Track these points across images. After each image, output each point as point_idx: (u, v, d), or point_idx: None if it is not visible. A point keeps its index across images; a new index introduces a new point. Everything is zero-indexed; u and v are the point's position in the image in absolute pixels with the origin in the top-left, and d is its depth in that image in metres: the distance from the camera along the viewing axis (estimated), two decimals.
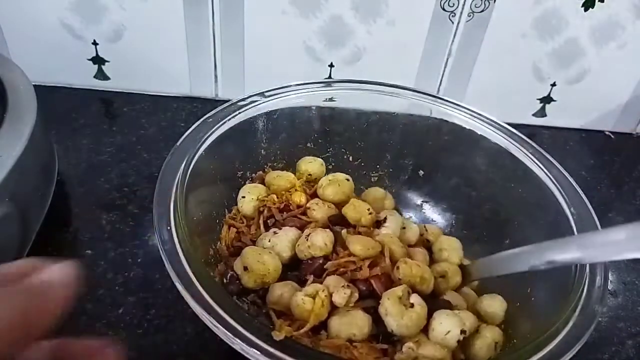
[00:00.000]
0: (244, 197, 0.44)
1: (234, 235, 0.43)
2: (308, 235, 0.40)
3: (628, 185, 0.62)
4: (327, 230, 0.41)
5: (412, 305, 0.36)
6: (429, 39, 0.60)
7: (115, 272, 0.44)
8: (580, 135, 0.67)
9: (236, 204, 0.46)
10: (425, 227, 0.46)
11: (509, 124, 0.47)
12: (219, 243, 0.43)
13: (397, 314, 0.35)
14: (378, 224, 0.42)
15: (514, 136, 0.46)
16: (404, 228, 0.43)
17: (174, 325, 0.41)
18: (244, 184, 0.46)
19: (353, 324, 0.35)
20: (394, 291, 0.36)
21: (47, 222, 0.45)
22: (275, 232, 0.41)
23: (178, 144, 0.42)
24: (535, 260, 0.35)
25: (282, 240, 0.40)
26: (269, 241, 0.40)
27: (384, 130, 0.50)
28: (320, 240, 0.39)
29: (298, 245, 0.40)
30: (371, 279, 0.38)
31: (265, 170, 0.48)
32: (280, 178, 0.46)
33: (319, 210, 0.43)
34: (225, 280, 0.38)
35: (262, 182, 0.47)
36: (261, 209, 0.44)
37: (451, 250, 0.43)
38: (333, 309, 0.37)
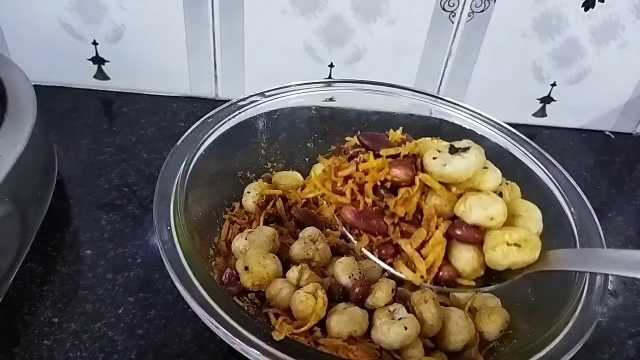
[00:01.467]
0: (249, 192, 0.45)
1: (236, 231, 0.43)
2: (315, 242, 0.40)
3: (628, 185, 0.61)
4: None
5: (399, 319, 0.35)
6: (429, 38, 0.60)
7: (115, 272, 0.44)
8: (580, 135, 0.67)
9: (236, 203, 0.46)
10: (506, 181, 0.37)
11: (509, 124, 0.47)
12: (217, 238, 0.43)
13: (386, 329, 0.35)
14: (453, 149, 0.33)
15: (514, 136, 0.46)
16: (485, 168, 0.34)
17: (174, 326, 0.41)
18: (244, 183, 0.46)
19: (352, 321, 0.35)
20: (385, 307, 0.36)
21: (46, 222, 0.45)
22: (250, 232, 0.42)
23: (178, 143, 0.42)
24: None
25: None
26: (246, 239, 0.41)
27: (384, 131, 0.50)
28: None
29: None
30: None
31: (271, 171, 0.48)
32: (287, 177, 0.46)
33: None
34: (224, 278, 0.38)
35: (269, 182, 0.47)
36: (261, 203, 0.44)
37: (529, 220, 0.34)
38: (329, 307, 0.37)
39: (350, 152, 0.36)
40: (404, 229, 0.33)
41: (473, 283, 0.33)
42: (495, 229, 0.32)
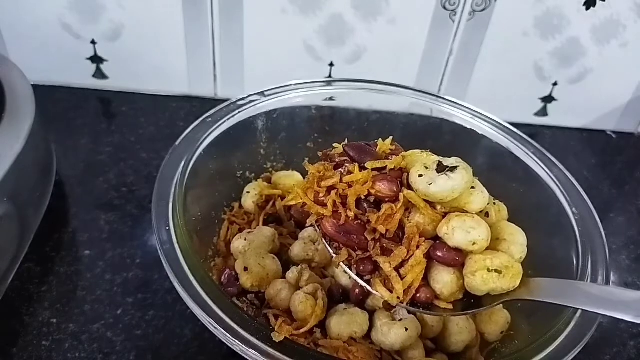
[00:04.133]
0: (248, 192, 0.45)
1: (235, 231, 0.43)
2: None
3: (630, 185, 0.61)
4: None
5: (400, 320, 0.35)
6: (429, 38, 0.59)
7: (114, 272, 0.44)
8: (581, 135, 0.67)
9: (235, 203, 0.46)
10: (494, 201, 0.36)
11: (510, 123, 0.47)
12: (217, 238, 0.43)
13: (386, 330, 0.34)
14: (441, 167, 0.32)
15: (515, 136, 0.46)
16: (473, 188, 0.33)
17: (172, 326, 0.41)
18: (243, 184, 0.46)
19: (352, 322, 0.35)
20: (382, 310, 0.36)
21: (45, 222, 0.45)
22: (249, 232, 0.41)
23: (177, 143, 0.42)
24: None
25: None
26: (245, 239, 0.40)
27: (384, 130, 0.49)
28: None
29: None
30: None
31: (270, 171, 0.48)
32: (287, 177, 0.46)
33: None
34: (223, 279, 0.38)
35: (269, 182, 0.47)
36: (261, 204, 0.44)
37: (513, 244, 0.33)
38: (329, 308, 0.36)
39: (337, 161, 0.35)
40: (384, 245, 0.32)
41: (450, 306, 0.33)
42: (477, 253, 0.31)
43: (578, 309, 0.32)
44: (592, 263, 0.37)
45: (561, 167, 0.44)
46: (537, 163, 0.44)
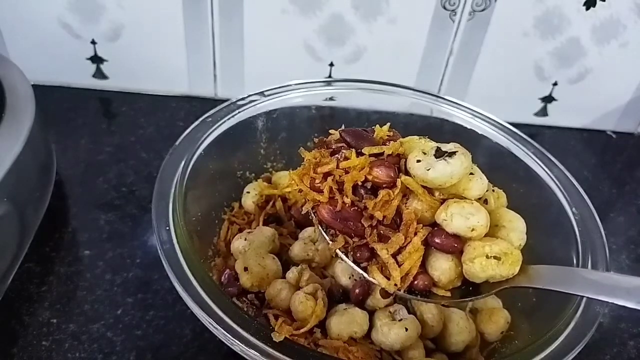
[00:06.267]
0: (248, 192, 0.45)
1: (235, 231, 0.43)
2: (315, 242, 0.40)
3: (630, 185, 0.61)
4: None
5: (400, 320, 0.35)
6: (429, 38, 0.59)
7: (114, 272, 0.44)
8: (581, 135, 0.67)
9: (235, 203, 0.46)
10: (493, 188, 0.36)
11: (510, 123, 0.47)
12: (217, 238, 0.43)
13: (386, 330, 0.35)
14: (439, 153, 0.31)
15: (515, 136, 0.46)
16: (472, 174, 0.32)
17: (172, 326, 0.41)
18: (243, 183, 0.46)
19: (352, 322, 0.35)
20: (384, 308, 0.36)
21: (45, 222, 0.45)
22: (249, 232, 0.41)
23: (177, 143, 0.42)
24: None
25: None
26: (245, 239, 0.40)
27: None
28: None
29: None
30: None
31: (270, 171, 0.48)
32: (287, 177, 0.46)
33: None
34: (223, 279, 0.38)
35: (269, 182, 0.47)
36: (261, 204, 0.44)
37: (512, 231, 0.33)
38: (329, 308, 0.36)
39: (333, 147, 0.34)
40: (381, 232, 0.32)
41: (448, 294, 0.32)
42: (475, 239, 0.31)
43: (578, 295, 0.32)
44: (592, 263, 0.37)
45: (561, 167, 0.44)
46: (537, 163, 0.44)
